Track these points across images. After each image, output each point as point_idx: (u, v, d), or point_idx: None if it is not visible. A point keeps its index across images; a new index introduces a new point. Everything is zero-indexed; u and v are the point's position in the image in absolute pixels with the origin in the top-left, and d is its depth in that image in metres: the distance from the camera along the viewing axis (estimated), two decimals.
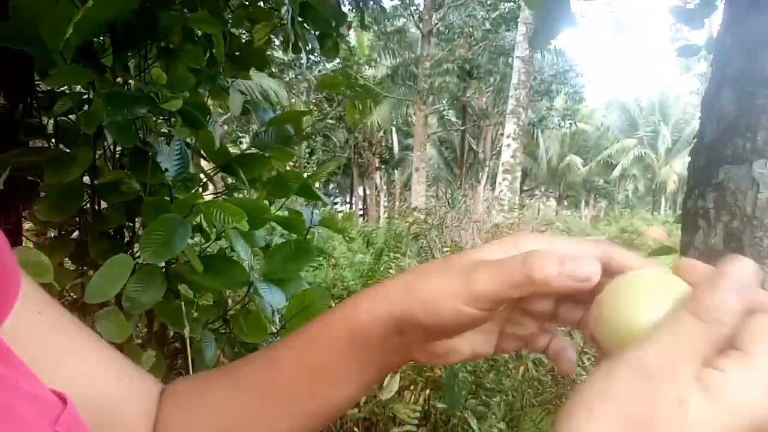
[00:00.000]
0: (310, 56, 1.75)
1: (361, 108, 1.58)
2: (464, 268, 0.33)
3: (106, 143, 1.34)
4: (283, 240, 1.46)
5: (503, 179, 8.82)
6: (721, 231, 0.98)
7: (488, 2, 14.39)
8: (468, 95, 16.54)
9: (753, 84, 0.97)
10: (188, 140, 1.43)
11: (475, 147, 20.32)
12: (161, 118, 1.36)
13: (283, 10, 1.49)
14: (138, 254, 1.12)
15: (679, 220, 1.45)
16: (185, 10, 1.49)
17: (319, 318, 0.38)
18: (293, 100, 16.86)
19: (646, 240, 13.43)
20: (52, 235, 1.46)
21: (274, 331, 1.40)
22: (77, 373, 0.36)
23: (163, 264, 1.25)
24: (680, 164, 27.94)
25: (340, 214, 16.33)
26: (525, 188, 25.79)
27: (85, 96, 1.27)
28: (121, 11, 0.96)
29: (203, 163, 1.50)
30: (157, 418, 0.40)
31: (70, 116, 1.28)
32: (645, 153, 29.37)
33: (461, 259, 0.34)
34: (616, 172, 29.42)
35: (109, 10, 0.93)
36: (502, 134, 11.23)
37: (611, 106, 33.84)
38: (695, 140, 1.12)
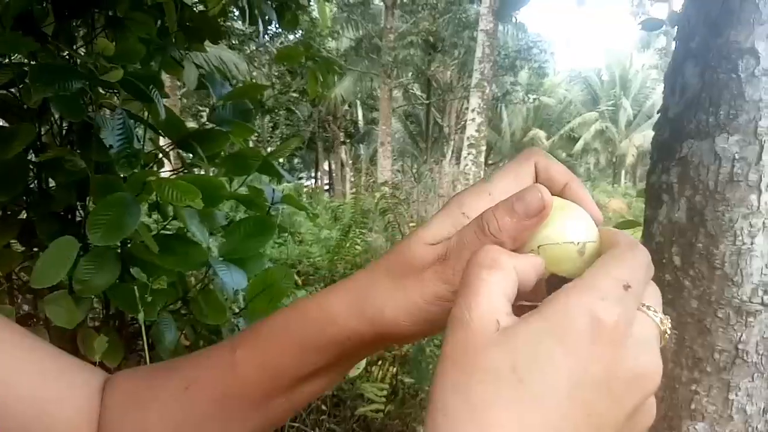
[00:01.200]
0: (270, 28, 1.68)
1: (322, 80, 1.53)
2: (415, 272, 0.33)
3: (53, 118, 1.27)
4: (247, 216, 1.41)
5: (468, 153, 8.85)
6: (684, 205, 0.98)
7: None
8: (432, 69, 16.45)
9: (716, 59, 0.97)
10: (142, 115, 1.37)
11: (440, 121, 20.31)
12: (110, 91, 1.29)
13: None
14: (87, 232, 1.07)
15: (641, 193, 1.47)
16: None
17: (275, 316, 0.36)
18: (254, 73, 16.47)
19: (607, 212, 13.74)
20: None
21: (237, 311, 1.37)
22: None
23: (118, 245, 1.20)
24: (640, 138, 28.57)
25: (306, 189, 16.19)
26: (490, 162, 26.02)
27: (27, 68, 1.19)
28: None
29: (163, 140, 1.44)
30: (103, 409, 0.37)
31: (12, 89, 1.20)
32: (606, 127, 29.89)
33: (409, 255, 0.34)
34: (579, 145, 29.91)
35: None
36: (467, 108, 11.24)
37: (574, 79, 34.20)
38: (659, 114, 1.12)
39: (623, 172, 33.32)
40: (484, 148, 9.35)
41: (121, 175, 1.24)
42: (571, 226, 0.31)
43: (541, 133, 29.32)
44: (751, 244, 0.92)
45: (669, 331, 0.27)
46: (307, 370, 0.35)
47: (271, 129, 21.06)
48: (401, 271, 0.33)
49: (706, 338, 0.96)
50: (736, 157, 0.93)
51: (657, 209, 1.04)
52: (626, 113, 30.69)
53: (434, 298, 0.33)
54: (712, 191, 0.95)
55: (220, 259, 1.21)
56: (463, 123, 15.67)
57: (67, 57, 1.29)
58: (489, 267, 0.26)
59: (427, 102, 19.09)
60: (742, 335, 0.94)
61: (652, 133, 1.16)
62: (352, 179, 21.99)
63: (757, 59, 0.94)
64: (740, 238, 0.93)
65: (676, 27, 1.15)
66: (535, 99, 20.16)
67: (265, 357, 0.35)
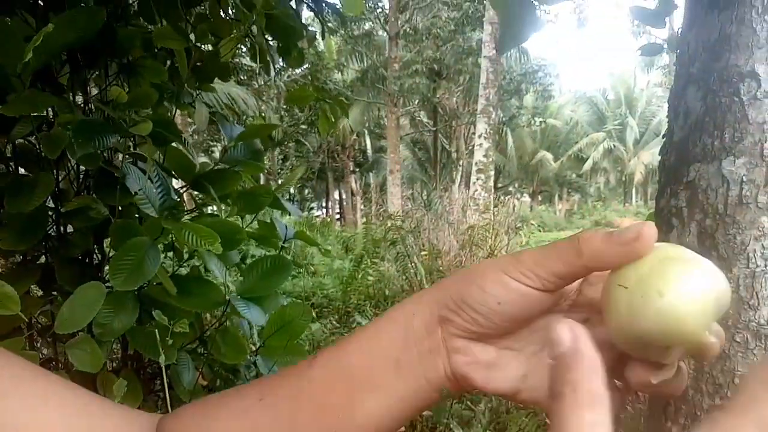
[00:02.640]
0: (277, 64, 1.73)
1: (333, 119, 1.56)
2: (507, 261, 0.33)
3: (69, 165, 1.30)
4: (260, 250, 1.43)
5: (477, 179, 8.87)
6: (694, 229, 0.98)
7: (453, 2, 14.48)
8: (438, 96, 16.61)
9: (717, 83, 0.98)
10: (156, 158, 1.40)
11: (448, 147, 20.42)
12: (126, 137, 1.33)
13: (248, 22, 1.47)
14: (108, 277, 1.09)
15: (652, 218, 1.47)
16: (145, 24, 1.46)
17: (360, 335, 0.37)
18: (263, 107, 16.72)
19: None
20: (17, 260, 1.41)
21: (254, 349, 1.37)
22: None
23: (136, 288, 1.21)
24: (648, 155, 28.53)
25: (317, 220, 16.25)
26: (499, 185, 26.02)
27: (44, 117, 1.23)
28: (84, 34, 0.92)
29: (175, 181, 1.47)
30: None
31: (29, 138, 1.24)
32: (614, 146, 29.89)
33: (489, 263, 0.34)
34: (587, 165, 29.88)
35: (72, 33, 0.90)
36: (473, 134, 11.31)
37: (579, 100, 34.36)
38: (664, 138, 1.13)
39: (633, 191, 33.16)
40: (492, 172, 9.37)
41: (136, 220, 1.27)
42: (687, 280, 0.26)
43: (549, 155, 29.35)
44: (765, 266, 0.92)
45: None
46: (379, 377, 0.35)
47: (281, 161, 21.27)
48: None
49: (726, 363, 0.95)
50: (744, 179, 0.94)
51: (668, 233, 1.04)
52: (633, 132, 30.70)
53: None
54: (722, 214, 0.95)
55: (239, 297, 1.22)
56: (470, 148, 15.75)
57: (81, 106, 1.33)
58: (590, 406, 0.24)
59: (434, 129, 19.24)
60: (761, 359, 0.93)
61: (659, 151, 1.17)
62: (363, 208, 22.07)
63: (758, 82, 0.95)
64: (753, 260, 0.93)
65: (677, 50, 1.17)
66: (541, 122, 20.23)
67: (341, 373, 0.35)
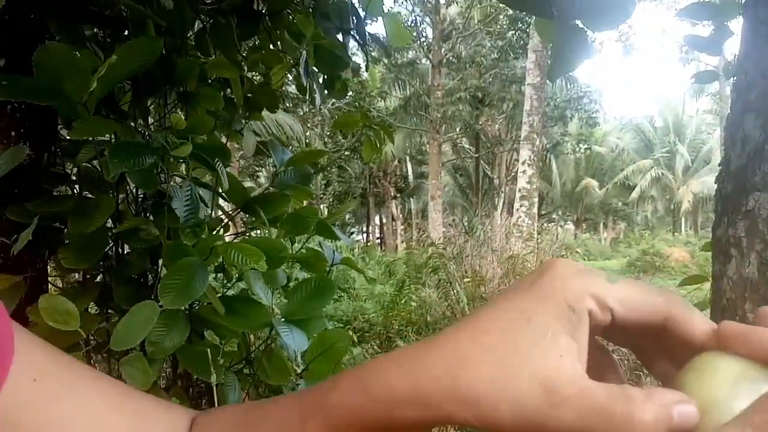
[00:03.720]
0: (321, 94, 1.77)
1: (378, 146, 1.58)
2: (538, 392, 0.26)
3: (128, 188, 1.36)
4: (304, 273, 1.45)
5: (520, 205, 8.78)
6: (755, 260, 0.95)
7: (496, 32, 14.55)
8: (481, 123, 16.61)
9: None
10: (208, 181, 1.45)
11: (489, 173, 20.32)
12: (181, 161, 1.38)
13: (297, 54, 1.51)
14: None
15: (706, 246, 1.42)
16: (200, 55, 1.53)
17: (340, 382, 0.33)
18: (308, 133, 17.07)
19: (670, 262, 13.19)
20: (77, 278, 1.47)
21: (298, 371, 1.38)
22: None
23: (186, 307, 1.25)
24: (698, 184, 27.66)
25: (358, 244, 16.33)
26: (542, 212, 25.64)
27: (107, 142, 1.29)
28: (145, 63, 0.97)
29: (226, 203, 1.51)
30: None
31: (94, 162, 1.30)
32: (662, 174, 29.13)
33: (512, 363, 0.27)
34: (635, 193, 29.17)
35: (133, 62, 0.95)
36: (516, 160, 11.22)
37: (625, 127, 33.76)
38: (720, 167, 1.10)
39: (682, 220, 32.13)
40: (536, 199, 9.27)
41: (187, 242, 1.31)
42: None
43: (594, 183, 28.82)
44: None
45: None
46: None
47: (324, 186, 21.58)
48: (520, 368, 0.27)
49: None
50: None
51: (725, 264, 1.01)
52: (683, 159, 29.89)
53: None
54: None
55: (282, 320, 1.24)
56: (513, 174, 15.62)
57: (141, 132, 1.40)
58: None
59: (476, 155, 19.20)
60: None
61: (710, 179, 1.14)
62: (403, 233, 22.08)
63: None
64: None
65: (733, 78, 1.15)
66: (586, 149, 19.96)
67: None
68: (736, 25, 1.24)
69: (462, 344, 0.29)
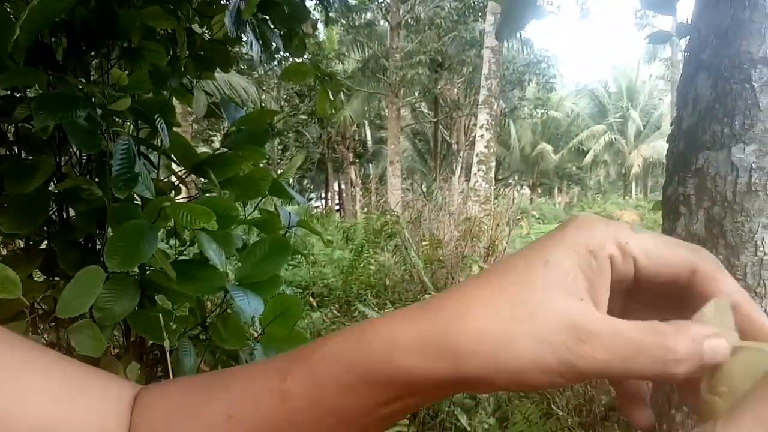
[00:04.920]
0: (277, 54, 1.70)
1: (332, 99, 1.54)
2: (562, 328, 0.24)
3: (71, 149, 1.29)
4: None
5: (478, 170, 8.85)
6: (702, 217, 0.97)
7: None
8: (439, 87, 16.55)
9: (728, 69, 0.97)
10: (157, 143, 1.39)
11: (448, 138, 20.39)
12: (124, 120, 1.32)
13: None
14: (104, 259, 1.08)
15: (656, 206, 1.46)
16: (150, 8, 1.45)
17: (329, 340, 0.30)
18: (263, 97, 16.67)
19: None
20: (20, 245, 1.41)
21: (255, 335, 1.37)
22: None
23: (137, 272, 1.21)
24: (648, 149, 28.51)
25: (316, 210, 16.26)
26: (499, 177, 26.02)
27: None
28: (68, 5, 0.90)
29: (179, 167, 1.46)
30: (132, 429, 0.35)
31: (32, 122, 1.23)
32: (615, 139, 29.86)
33: (531, 306, 0.25)
34: (588, 158, 29.86)
35: (55, 5, 0.88)
36: (474, 125, 11.27)
37: (580, 93, 34.29)
38: (672, 126, 1.12)
39: (633, 184, 33.16)
40: (493, 163, 9.36)
41: (138, 202, 1.26)
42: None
43: (549, 147, 29.33)
44: None
45: None
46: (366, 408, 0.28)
47: (281, 151, 21.25)
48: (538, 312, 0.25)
49: None
50: (753, 166, 0.93)
51: (675, 221, 1.03)
52: (635, 124, 30.67)
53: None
54: (730, 202, 0.94)
55: (237, 284, 1.21)
56: (471, 139, 15.72)
57: (81, 88, 1.32)
58: None
59: (435, 120, 19.19)
60: None
61: (660, 144, 1.16)
62: (362, 199, 22.07)
63: None
64: (761, 248, 0.92)
65: (685, 38, 1.16)
66: (543, 113, 20.20)
67: (319, 397, 0.29)
68: None
69: (472, 289, 0.26)
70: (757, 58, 0.94)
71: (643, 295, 0.28)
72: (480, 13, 13.43)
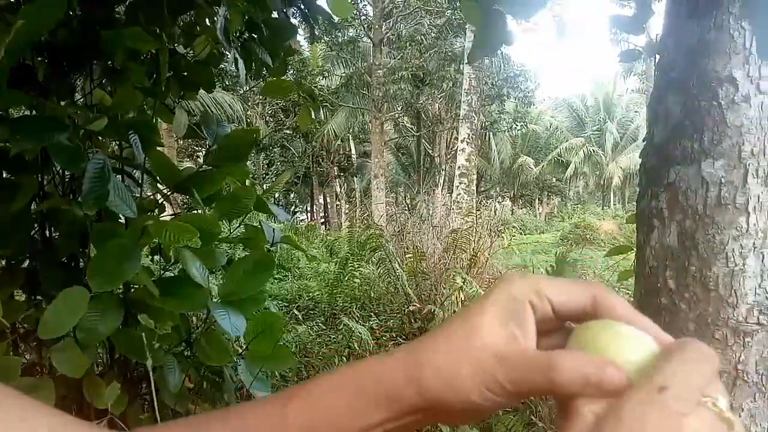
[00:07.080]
0: (263, 71, 1.72)
1: (314, 114, 1.56)
2: (490, 355, 0.33)
3: (54, 169, 1.29)
4: (246, 254, 1.42)
5: (460, 183, 8.92)
6: (675, 230, 1.01)
7: (435, 10, 14.57)
8: (421, 101, 16.68)
9: (697, 87, 1.01)
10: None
11: (431, 151, 20.51)
12: (110, 140, 1.32)
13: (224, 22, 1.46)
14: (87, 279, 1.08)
15: (631, 218, 1.50)
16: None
17: (331, 373, 0.36)
18: (249, 112, 16.65)
19: (599, 235, 13.79)
20: (2, 264, 1.40)
21: (240, 351, 1.37)
22: None
23: (121, 291, 1.20)
24: (626, 160, 28.97)
25: (301, 224, 16.20)
26: (481, 189, 26.21)
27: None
28: (49, 22, 0.91)
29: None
30: None
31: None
32: (593, 150, 30.25)
33: (472, 342, 0.34)
34: (568, 170, 30.21)
35: (38, 27, 0.89)
36: (456, 138, 11.37)
37: (559, 106, 34.76)
38: (645, 141, 1.16)
39: (612, 194, 33.59)
40: (475, 176, 9.43)
41: (122, 220, 1.26)
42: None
43: (530, 160, 29.62)
44: (743, 265, 0.95)
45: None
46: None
47: (266, 166, 21.19)
48: (470, 352, 0.33)
49: None
50: (723, 181, 0.96)
51: (649, 234, 1.06)
52: (612, 136, 31.13)
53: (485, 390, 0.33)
54: (701, 215, 0.98)
55: (219, 301, 1.21)
56: (453, 152, 15.82)
57: (62, 110, 1.32)
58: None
59: (418, 134, 19.31)
60: (740, 355, 0.95)
61: (637, 155, 1.19)
62: (347, 212, 22.04)
63: (736, 87, 0.98)
64: (732, 259, 0.95)
65: (656, 56, 1.20)
66: (522, 126, 20.47)
67: (317, 413, 0.35)
68: (660, 5, 1.29)
69: (435, 337, 0.35)
70: (723, 77, 0.98)
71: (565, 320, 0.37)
72: (460, 30, 13.61)
